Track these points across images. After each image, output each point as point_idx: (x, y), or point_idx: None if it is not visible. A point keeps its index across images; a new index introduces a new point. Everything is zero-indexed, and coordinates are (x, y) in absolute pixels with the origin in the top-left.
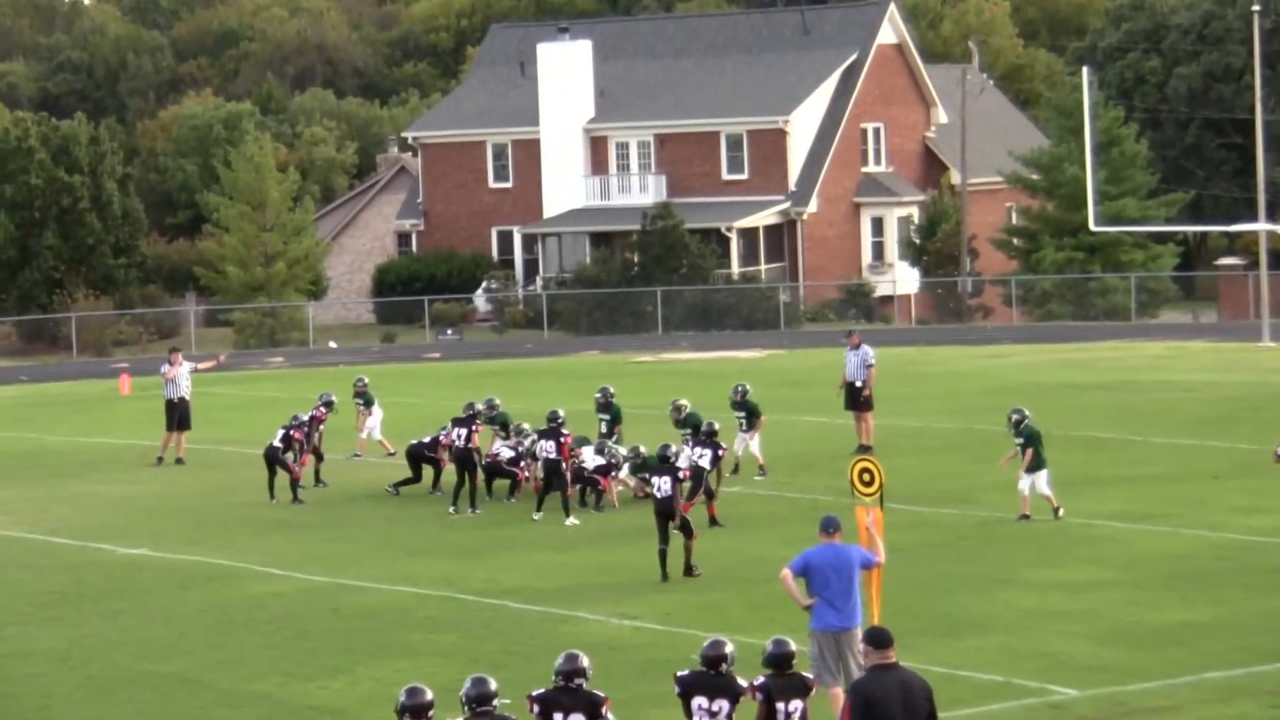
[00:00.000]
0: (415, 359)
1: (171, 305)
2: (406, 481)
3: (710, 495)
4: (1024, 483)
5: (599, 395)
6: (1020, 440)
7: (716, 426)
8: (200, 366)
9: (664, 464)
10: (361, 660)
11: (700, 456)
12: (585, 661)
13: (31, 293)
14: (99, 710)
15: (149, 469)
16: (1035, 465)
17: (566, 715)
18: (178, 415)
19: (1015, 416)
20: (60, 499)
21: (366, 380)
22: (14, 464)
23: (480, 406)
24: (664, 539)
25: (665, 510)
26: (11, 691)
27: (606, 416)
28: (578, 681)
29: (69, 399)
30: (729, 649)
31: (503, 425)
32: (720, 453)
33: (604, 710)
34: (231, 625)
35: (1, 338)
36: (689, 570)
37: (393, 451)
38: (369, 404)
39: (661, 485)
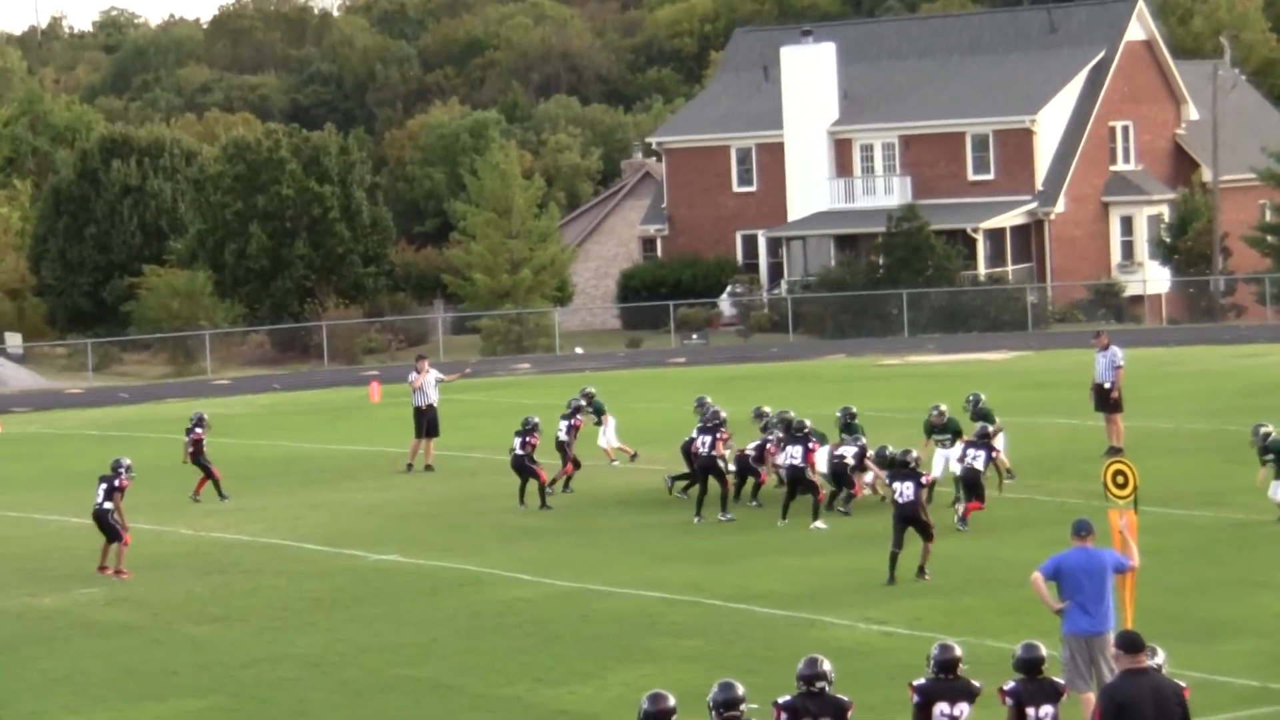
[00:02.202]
0: (661, 364)
1: (420, 313)
2: (685, 477)
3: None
4: (1275, 491)
5: (840, 415)
6: (1270, 456)
7: (990, 428)
8: (447, 378)
9: (905, 469)
10: (611, 665)
11: (974, 458)
12: (827, 665)
13: (284, 302)
14: (353, 714)
15: (399, 476)
16: None
17: None
18: (426, 422)
19: (1263, 430)
20: (313, 506)
21: (594, 391)
22: (267, 471)
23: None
24: (898, 543)
25: (908, 515)
26: (268, 696)
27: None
28: (820, 685)
29: (321, 407)
30: (959, 651)
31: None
32: (993, 455)
33: (849, 714)
34: (482, 630)
35: (255, 346)
36: (921, 572)
37: (634, 454)
38: (599, 413)
39: (904, 490)
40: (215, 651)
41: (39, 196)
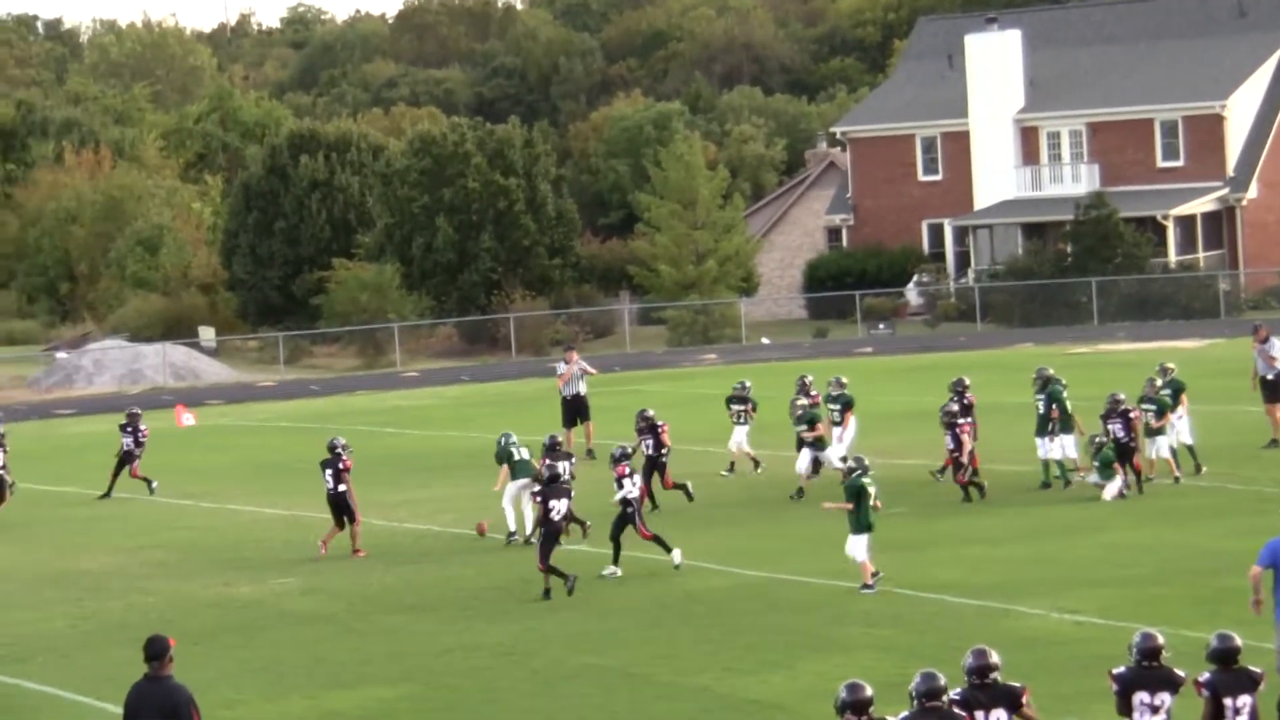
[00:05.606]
0: (847, 354)
1: (606, 304)
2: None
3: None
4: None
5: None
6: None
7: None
8: (590, 369)
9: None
10: (801, 655)
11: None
12: (995, 656)
13: (471, 294)
14: (544, 703)
15: (581, 464)
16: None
17: (988, 713)
18: (572, 411)
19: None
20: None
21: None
22: (457, 462)
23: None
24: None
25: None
26: (459, 685)
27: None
28: (992, 676)
29: (508, 398)
30: (1162, 640)
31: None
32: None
33: (1024, 700)
34: (669, 619)
35: (443, 339)
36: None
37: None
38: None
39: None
40: (408, 641)
41: (229, 192)
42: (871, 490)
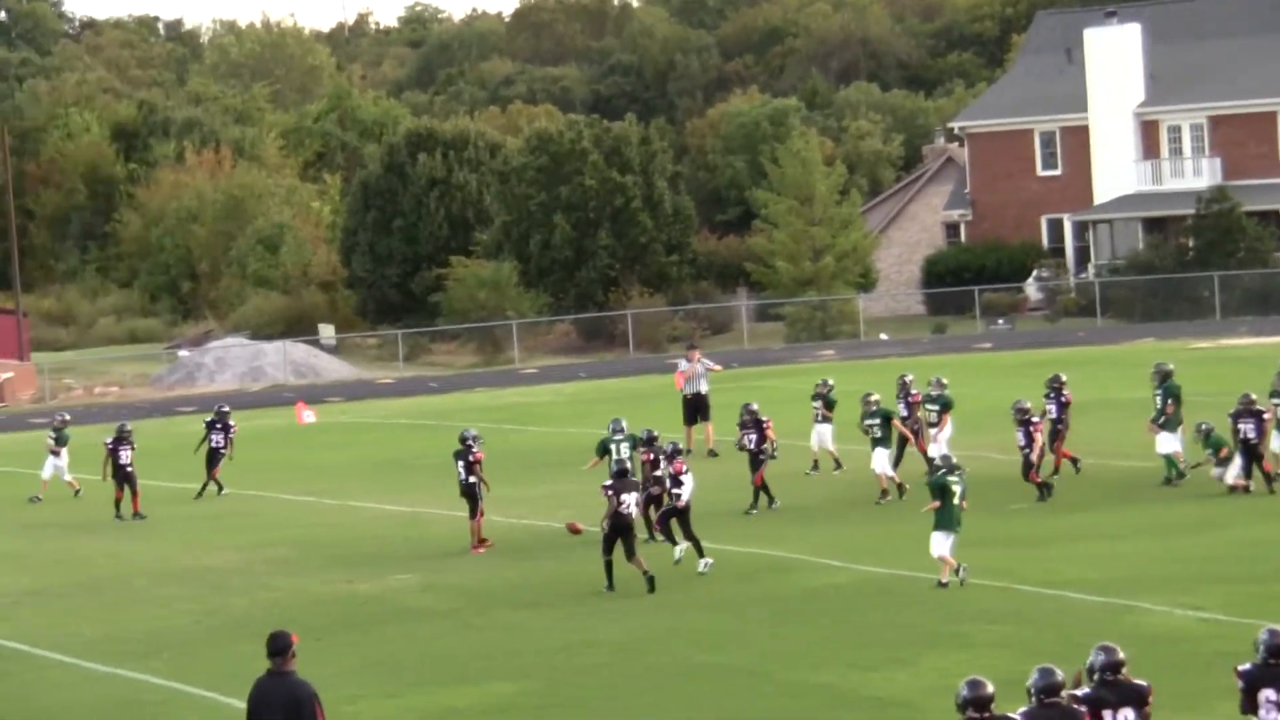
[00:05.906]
0: (966, 349)
1: (723, 301)
2: None
3: None
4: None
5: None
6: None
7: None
8: (714, 367)
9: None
10: (923, 651)
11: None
12: (1123, 654)
13: (588, 291)
14: (663, 700)
15: (698, 460)
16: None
17: (1115, 711)
18: (693, 409)
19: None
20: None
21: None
22: (576, 459)
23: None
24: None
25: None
26: (579, 681)
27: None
28: (1123, 673)
29: (627, 394)
30: None
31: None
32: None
33: (1150, 699)
34: (789, 616)
35: (561, 335)
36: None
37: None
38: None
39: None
40: (526, 637)
41: (348, 190)
42: (957, 489)
